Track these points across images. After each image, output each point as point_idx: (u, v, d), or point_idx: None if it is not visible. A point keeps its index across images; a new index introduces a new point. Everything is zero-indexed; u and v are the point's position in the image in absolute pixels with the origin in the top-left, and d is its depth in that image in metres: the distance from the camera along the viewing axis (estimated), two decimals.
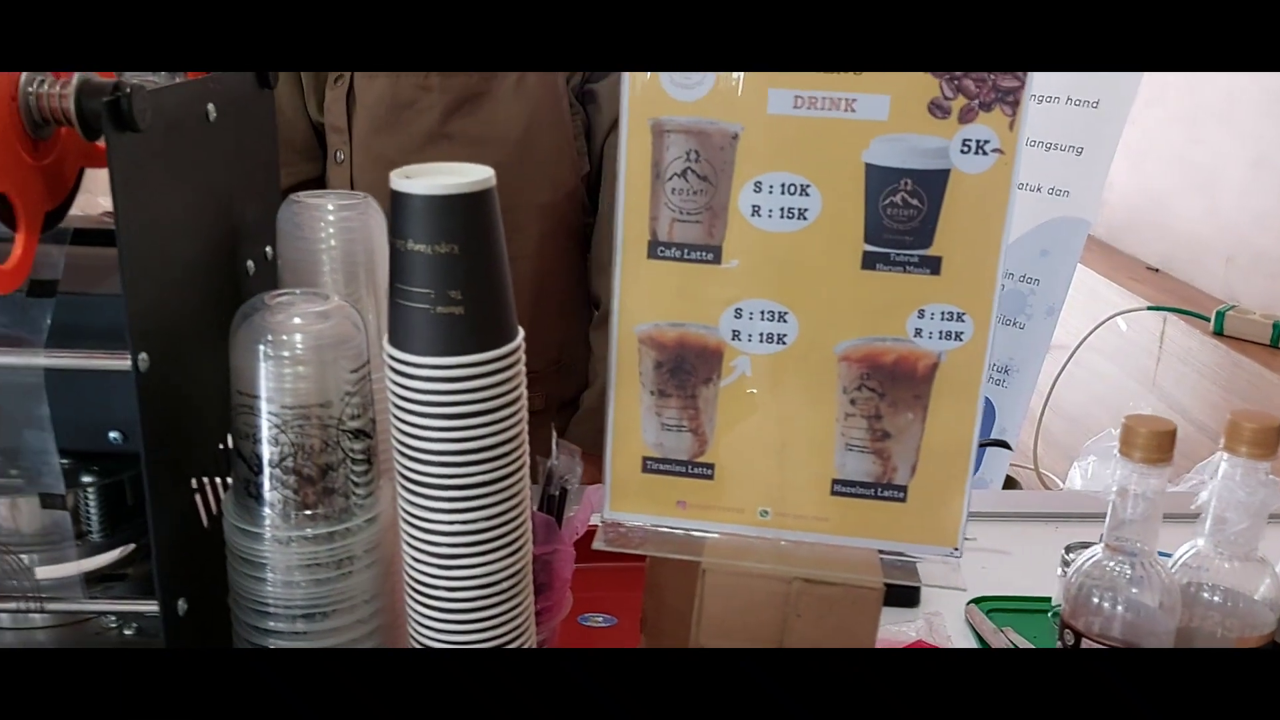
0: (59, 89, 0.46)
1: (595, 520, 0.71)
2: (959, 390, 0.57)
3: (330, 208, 0.63)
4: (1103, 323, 1.98)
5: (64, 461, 0.58)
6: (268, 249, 0.66)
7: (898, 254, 0.56)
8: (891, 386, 0.58)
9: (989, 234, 0.55)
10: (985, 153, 0.54)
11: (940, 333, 0.56)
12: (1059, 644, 0.67)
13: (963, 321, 0.56)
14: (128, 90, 0.46)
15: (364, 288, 0.64)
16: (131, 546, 0.61)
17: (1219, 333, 1.89)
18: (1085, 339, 1.92)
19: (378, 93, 1.03)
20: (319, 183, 1.10)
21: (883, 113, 0.54)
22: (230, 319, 0.60)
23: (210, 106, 0.56)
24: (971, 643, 0.86)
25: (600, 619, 0.87)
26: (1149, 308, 2.00)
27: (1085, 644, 0.64)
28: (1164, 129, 2.26)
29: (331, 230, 0.63)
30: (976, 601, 0.89)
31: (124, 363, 0.49)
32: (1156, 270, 2.32)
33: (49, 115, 0.46)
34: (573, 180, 1.11)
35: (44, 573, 0.56)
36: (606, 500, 0.62)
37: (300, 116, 1.11)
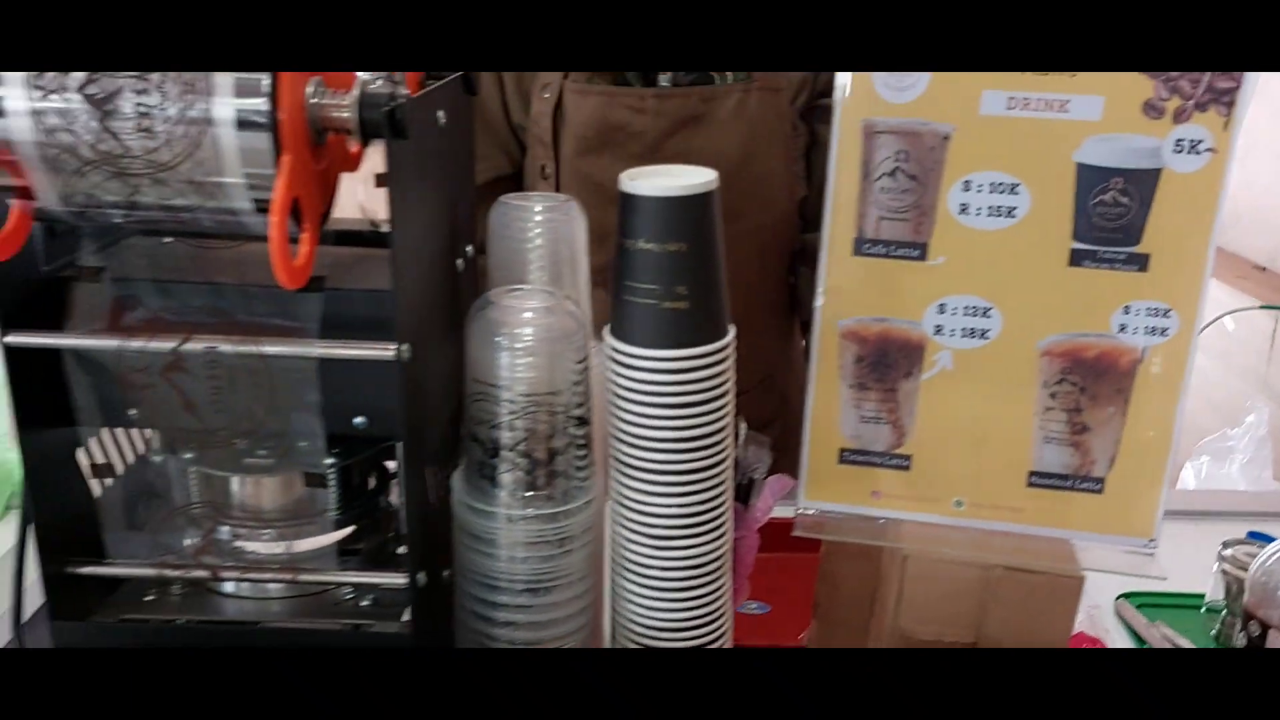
0: (339, 99, 0.49)
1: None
2: (1162, 384, 0.58)
3: (537, 209, 0.66)
4: (1213, 321, 1.95)
5: (304, 444, 0.63)
6: (468, 247, 0.70)
7: (1105, 251, 0.57)
8: (1093, 381, 0.59)
9: (1199, 231, 0.56)
10: (1199, 152, 0.55)
11: (1145, 328, 0.58)
12: (1241, 635, 0.68)
13: (1168, 318, 0.58)
14: (401, 100, 0.50)
15: (567, 284, 0.67)
16: (351, 528, 0.65)
17: None
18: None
19: (588, 112, 0.97)
20: (514, 179, 1.07)
21: (1096, 113, 0.56)
22: (448, 314, 0.64)
23: (440, 113, 0.60)
24: (1125, 636, 0.86)
25: (754, 605, 0.90)
26: (1262, 306, 1.97)
27: (1272, 635, 0.65)
28: (1269, 124, 2.21)
29: (538, 230, 0.66)
30: (1127, 596, 0.90)
31: (388, 352, 0.53)
32: (1264, 269, 2.27)
33: (328, 124, 0.50)
34: (787, 203, 1.06)
35: (299, 546, 0.61)
36: (802, 489, 0.65)
37: (499, 110, 1.06)
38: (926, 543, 0.62)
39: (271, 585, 0.62)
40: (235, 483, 0.61)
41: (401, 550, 0.65)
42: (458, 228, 0.67)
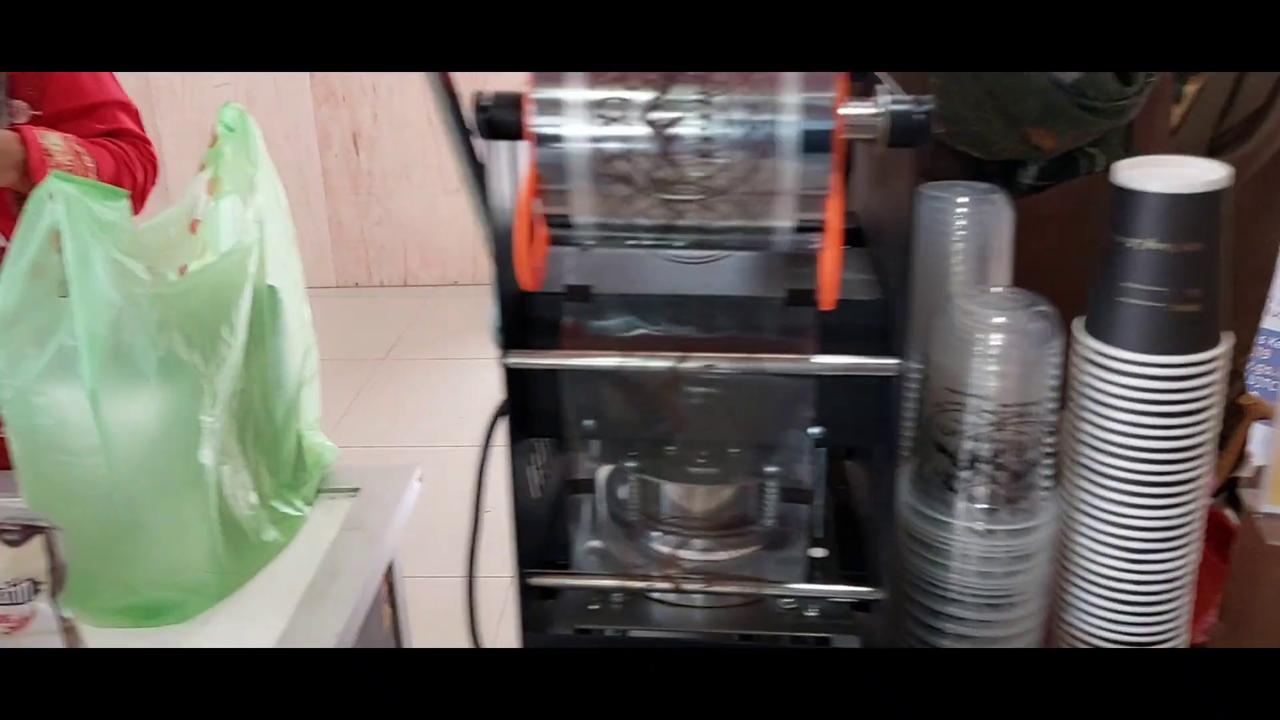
0: (869, 108, 0.46)
1: None
2: None
3: (962, 199, 0.63)
4: None
5: (734, 451, 0.62)
6: None
7: None
8: None
9: None
10: None
11: None
12: None
13: None
14: (928, 105, 0.47)
15: (994, 279, 0.64)
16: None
17: None
18: None
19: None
20: None
21: None
22: None
23: None
24: None
25: None
26: None
27: None
28: None
29: (964, 223, 0.63)
30: None
31: (890, 365, 0.51)
32: None
33: (852, 132, 0.47)
34: None
35: (735, 554, 0.60)
36: (1266, 491, 0.61)
37: None
38: None
39: (696, 596, 0.62)
40: (675, 491, 0.61)
41: (817, 553, 0.63)
42: None
